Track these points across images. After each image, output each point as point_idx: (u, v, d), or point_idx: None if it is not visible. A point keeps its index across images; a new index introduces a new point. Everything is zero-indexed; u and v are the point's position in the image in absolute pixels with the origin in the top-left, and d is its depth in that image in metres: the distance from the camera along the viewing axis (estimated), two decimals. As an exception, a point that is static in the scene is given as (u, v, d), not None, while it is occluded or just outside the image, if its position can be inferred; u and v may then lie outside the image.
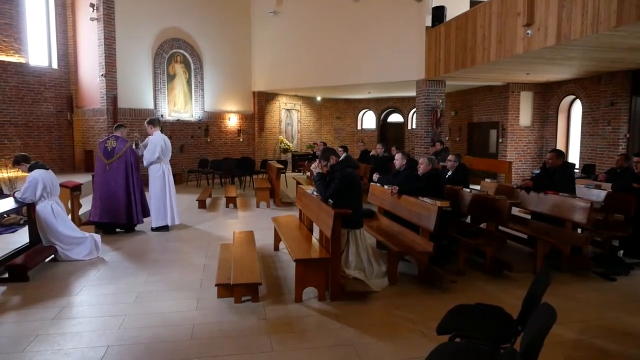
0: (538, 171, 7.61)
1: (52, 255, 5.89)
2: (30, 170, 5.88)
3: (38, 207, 5.79)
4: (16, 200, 5.83)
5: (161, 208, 7.75)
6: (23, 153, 6.21)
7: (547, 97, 13.91)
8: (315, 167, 5.44)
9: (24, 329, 3.96)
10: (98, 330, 3.94)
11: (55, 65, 13.32)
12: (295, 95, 18.39)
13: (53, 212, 5.86)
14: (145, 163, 7.83)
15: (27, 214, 6.20)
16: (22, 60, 12.37)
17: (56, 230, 5.84)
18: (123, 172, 7.45)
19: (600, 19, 6.62)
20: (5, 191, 8.85)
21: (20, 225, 7.77)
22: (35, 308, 4.42)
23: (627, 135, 11.07)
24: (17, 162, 5.99)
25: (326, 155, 5.45)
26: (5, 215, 7.67)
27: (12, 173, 9.28)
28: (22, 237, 6.84)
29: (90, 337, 3.82)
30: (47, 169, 6.02)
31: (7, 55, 12.03)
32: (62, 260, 5.89)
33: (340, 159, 8.55)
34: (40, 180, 5.75)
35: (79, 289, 5.00)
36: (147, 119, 8.12)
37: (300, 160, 17.08)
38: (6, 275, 5.16)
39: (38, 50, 12.99)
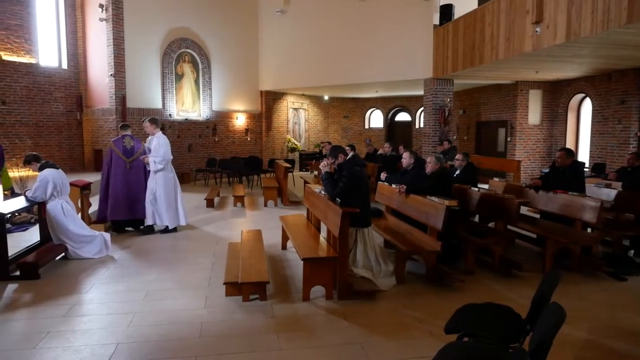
0: (547, 170, 7.55)
1: (63, 254, 5.94)
2: (40, 169, 5.94)
3: (48, 206, 5.84)
4: (27, 199, 5.89)
5: (175, 209, 7.65)
6: (34, 152, 6.27)
7: (557, 95, 13.80)
8: (324, 165, 5.44)
9: (35, 326, 4.01)
10: (108, 328, 3.97)
11: (65, 66, 13.44)
12: (303, 95, 18.40)
13: (63, 210, 5.91)
14: (159, 166, 7.44)
15: (37, 212, 6.26)
16: (32, 60, 12.50)
17: (66, 229, 5.90)
18: (142, 169, 7.63)
19: (610, 16, 6.56)
20: (17, 190, 8.95)
21: (31, 224, 7.86)
22: (46, 305, 4.47)
23: (638, 134, 10.95)
24: (28, 162, 6.06)
25: (335, 153, 5.45)
26: (16, 214, 7.75)
27: (23, 172, 9.38)
28: (33, 235, 6.93)
29: (100, 334, 3.85)
30: (58, 168, 6.08)
31: (18, 55, 12.16)
32: (73, 259, 5.95)
33: (348, 157, 8.54)
34: (50, 180, 5.81)
35: (89, 286, 5.04)
36: (149, 118, 7.80)
37: (307, 159, 17.08)
38: (18, 273, 5.22)
39: (48, 51, 13.13)
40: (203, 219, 8.79)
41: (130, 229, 7.70)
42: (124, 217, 7.53)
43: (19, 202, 5.90)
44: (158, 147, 7.48)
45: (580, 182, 6.33)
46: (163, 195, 7.52)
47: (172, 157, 7.69)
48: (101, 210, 7.59)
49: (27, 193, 5.97)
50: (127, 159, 7.53)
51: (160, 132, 7.74)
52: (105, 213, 7.50)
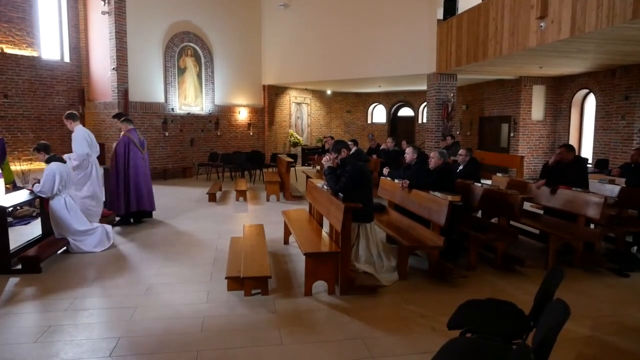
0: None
1: (65, 247, 5.95)
2: (47, 162, 5.93)
3: (52, 202, 5.83)
4: (33, 194, 5.86)
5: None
6: (46, 142, 6.24)
7: (560, 91, 13.73)
8: (327, 160, 5.41)
9: (37, 320, 4.02)
10: (109, 322, 3.98)
11: (67, 59, 13.41)
12: (306, 89, 18.36)
13: (66, 205, 5.91)
14: (74, 163, 6.94)
15: (39, 206, 6.24)
16: (34, 53, 12.47)
17: (69, 225, 5.89)
18: (148, 162, 7.96)
19: (615, 11, 6.50)
20: (18, 183, 8.95)
21: (33, 218, 7.86)
22: (48, 299, 4.48)
23: (642, 130, 10.90)
24: (37, 150, 6.04)
25: (338, 147, 5.42)
26: (18, 208, 7.75)
27: (25, 166, 9.38)
28: (35, 229, 6.93)
29: (102, 328, 3.86)
30: (65, 163, 6.09)
31: (20, 49, 12.13)
32: (74, 252, 5.95)
33: (351, 152, 8.51)
34: (57, 173, 5.80)
35: (91, 280, 5.05)
36: (65, 114, 7.16)
37: (310, 154, 17.08)
38: (19, 267, 5.23)
39: (50, 44, 13.08)
40: (205, 213, 8.79)
41: (147, 219, 7.95)
42: (150, 208, 7.89)
43: (21, 196, 5.89)
44: (74, 141, 6.96)
45: (584, 178, 6.30)
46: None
47: (87, 151, 7.00)
48: (119, 203, 7.47)
49: (34, 187, 5.93)
50: (142, 150, 7.75)
51: (79, 126, 7.08)
52: (121, 205, 7.47)
